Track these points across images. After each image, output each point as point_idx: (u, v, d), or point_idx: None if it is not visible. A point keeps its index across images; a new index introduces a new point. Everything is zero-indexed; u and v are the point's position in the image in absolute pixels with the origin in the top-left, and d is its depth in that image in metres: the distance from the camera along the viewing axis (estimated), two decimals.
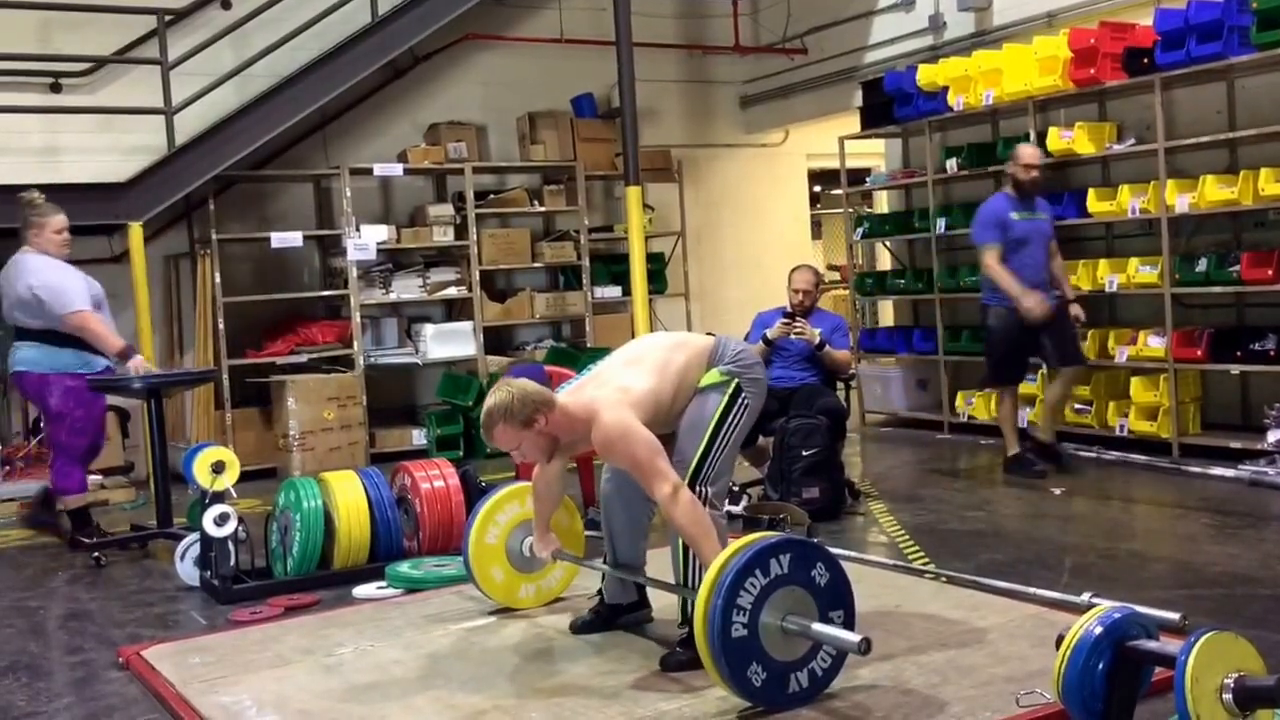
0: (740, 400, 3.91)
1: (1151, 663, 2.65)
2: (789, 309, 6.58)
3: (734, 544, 3.38)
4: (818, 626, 3.32)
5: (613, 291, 10.00)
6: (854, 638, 3.26)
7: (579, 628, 4.28)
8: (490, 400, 3.72)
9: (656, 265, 10.34)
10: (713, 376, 3.92)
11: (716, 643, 3.24)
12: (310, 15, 8.56)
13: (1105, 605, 2.74)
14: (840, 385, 6.74)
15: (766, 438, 6.32)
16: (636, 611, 4.29)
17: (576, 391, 3.90)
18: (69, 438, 6.28)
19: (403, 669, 3.98)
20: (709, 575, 3.33)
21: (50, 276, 6.15)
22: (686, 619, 3.79)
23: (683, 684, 3.62)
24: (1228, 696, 2.43)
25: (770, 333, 6.48)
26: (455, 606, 4.69)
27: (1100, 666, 2.59)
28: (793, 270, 6.69)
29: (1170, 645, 2.56)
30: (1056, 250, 7.03)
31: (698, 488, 3.80)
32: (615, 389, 3.80)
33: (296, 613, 4.80)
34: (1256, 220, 7.19)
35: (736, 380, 3.91)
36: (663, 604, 4.28)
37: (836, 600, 3.41)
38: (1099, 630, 2.60)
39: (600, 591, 4.33)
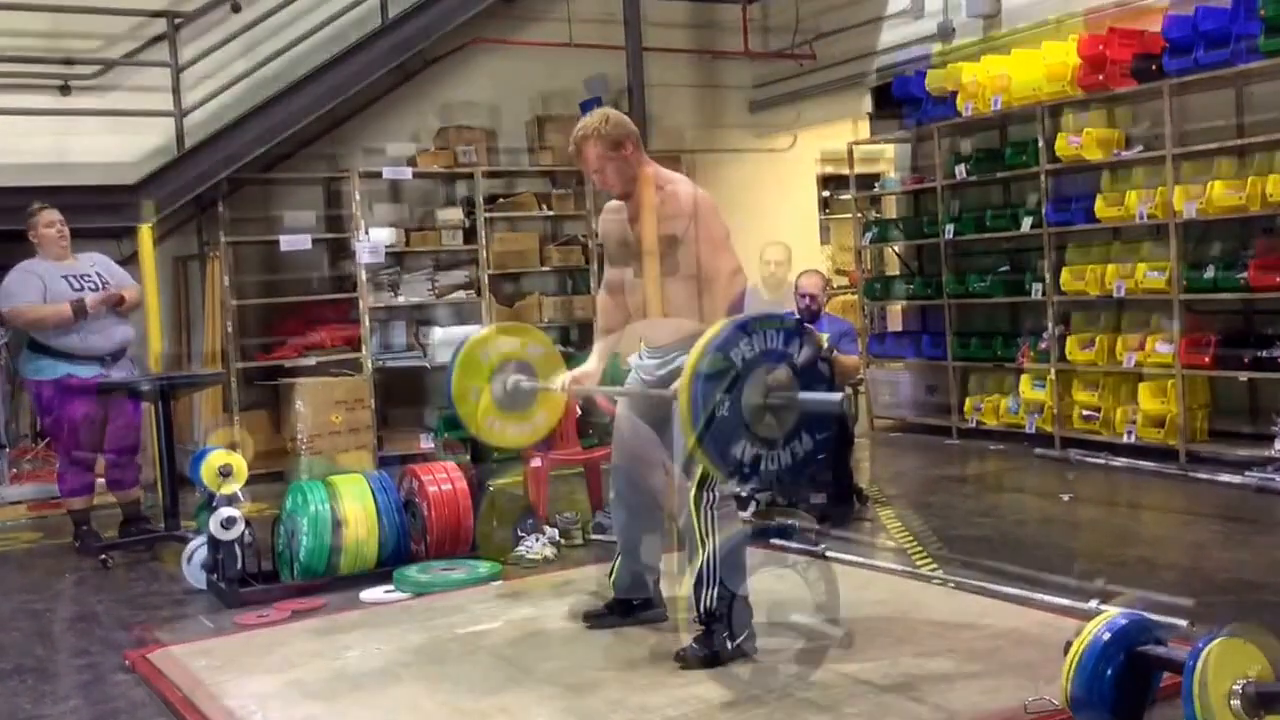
0: None
1: (1160, 668, 2.64)
2: (796, 314, 6.57)
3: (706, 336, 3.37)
4: (802, 395, 3.38)
5: None
6: (835, 397, 3.40)
7: (591, 619, 4.32)
8: (583, 120, 3.95)
9: None
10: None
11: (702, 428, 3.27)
12: (320, 19, 8.58)
13: (1113, 611, 2.73)
14: (849, 390, 6.72)
15: None
16: (649, 610, 4.30)
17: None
18: (56, 442, 6.48)
19: (409, 672, 3.98)
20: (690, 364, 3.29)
21: (5, 280, 6.15)
22: (701, 614, 3.80)
23: (689, 689, 3.62)
24: (1236, 702, 2.42)
25: None
26: (462, 610, 4.69)
27: (1109, 672, 2.58)
28: (799, 275, 6.68)
29: (1178, 651, 2.55)
30: None
31: (705, 492, 3.81)
32: None
33: (303, 616, 4.80)
34: (1265, 226, 7.17)
35: None
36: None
37: (815, 377, 3.48)
38: (1107, 636, 2.60)
39: (613, 585, 4.35)
